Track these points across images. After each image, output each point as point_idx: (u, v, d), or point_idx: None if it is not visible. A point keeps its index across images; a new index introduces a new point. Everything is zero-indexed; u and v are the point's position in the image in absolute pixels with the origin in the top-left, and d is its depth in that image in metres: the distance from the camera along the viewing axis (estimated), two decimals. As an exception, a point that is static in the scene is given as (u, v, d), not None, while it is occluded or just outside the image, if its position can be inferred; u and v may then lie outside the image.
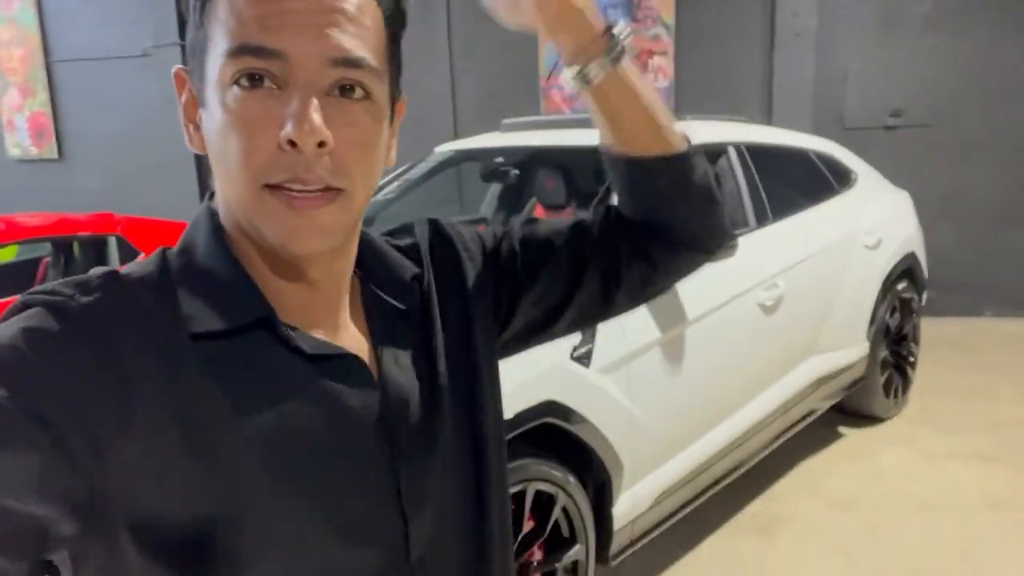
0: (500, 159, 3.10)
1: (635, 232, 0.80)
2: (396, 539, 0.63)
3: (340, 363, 0.62)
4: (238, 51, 0.55)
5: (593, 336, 1.96)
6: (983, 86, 5.14)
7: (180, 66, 0.63)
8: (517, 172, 3.02)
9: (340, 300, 0.66)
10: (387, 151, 0.64)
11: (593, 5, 0.74)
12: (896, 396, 3.58)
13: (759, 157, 2.97)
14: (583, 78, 0.74)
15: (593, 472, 2.00)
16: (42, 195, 6.79)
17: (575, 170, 3.13)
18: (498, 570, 0.72)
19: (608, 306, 0.82)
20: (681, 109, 5.48)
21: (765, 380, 2.69)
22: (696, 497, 2.43)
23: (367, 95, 0.58)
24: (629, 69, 0.74)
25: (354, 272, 0.69)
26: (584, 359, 1.92)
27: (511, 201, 3.55)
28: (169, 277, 0.60)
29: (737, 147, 2.89)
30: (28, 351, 0.50)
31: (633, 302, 0.84)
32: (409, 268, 0.72)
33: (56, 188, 6.89)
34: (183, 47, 6.31)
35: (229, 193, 0.59)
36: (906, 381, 3.65)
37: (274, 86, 0.55)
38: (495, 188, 3.59)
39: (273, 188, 0.56)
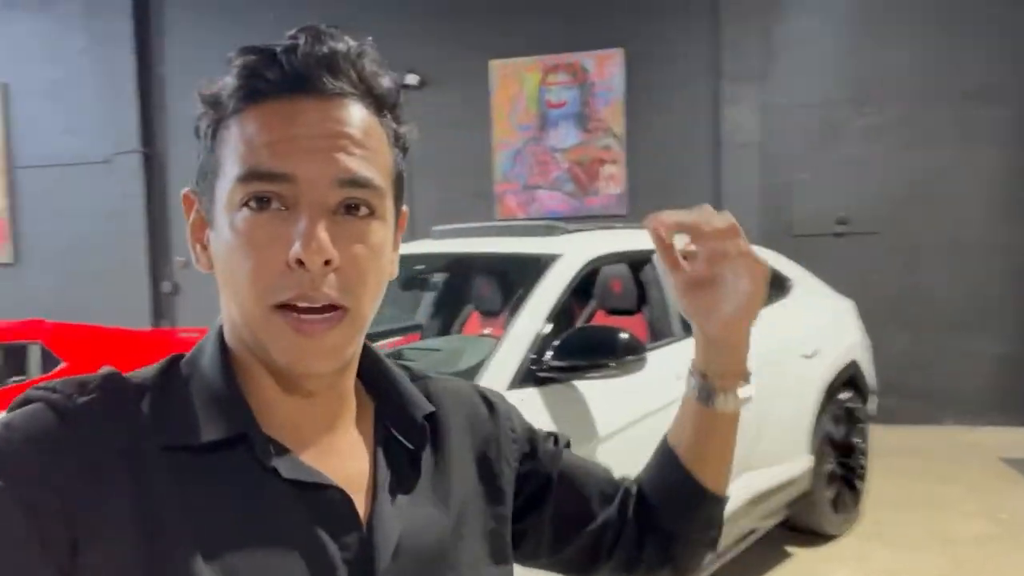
0: (422, 266, 3.07)
1: (640, 519, 0.82)
2: None
3: (321, 494, 0.61)
4: (248, 176, 0.57)
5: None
6: (928, 192, 5.27)
7: (189, 188, 0.65)
8: (436, 280, 2.98)
9: (337, 418, 0.66)
10: (390, 263, 0.65)
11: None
12: (846, 511, 3.43)
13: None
14: (709, 397, 0.76)
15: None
16: (-6, 298, 6.70)
17: (507, 275, 3.10)
18: None
19: (590, 569, 0.82)
20: (634, 216, 5.57)
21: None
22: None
23: (371, 212, 0.60)
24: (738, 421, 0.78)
25: (371, 400, 0.70)
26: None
27: (446, 308, 3.49)
28: (167, 385, 0.61)
29: (663, 256, 2.87)
30: (21, 445, 0.53)
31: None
32: (423, 407, 0.70)
33: (9, 291, 6.80)
34: (145, 154, 6.55)
35: (236, 311, 0.60)
36: (856, 494, 3.52)
37: (281, 207, 0.57)
38: (430, 295, 3.54)
39: (281, 309, 0.57)
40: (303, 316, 0.57)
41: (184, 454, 0.58)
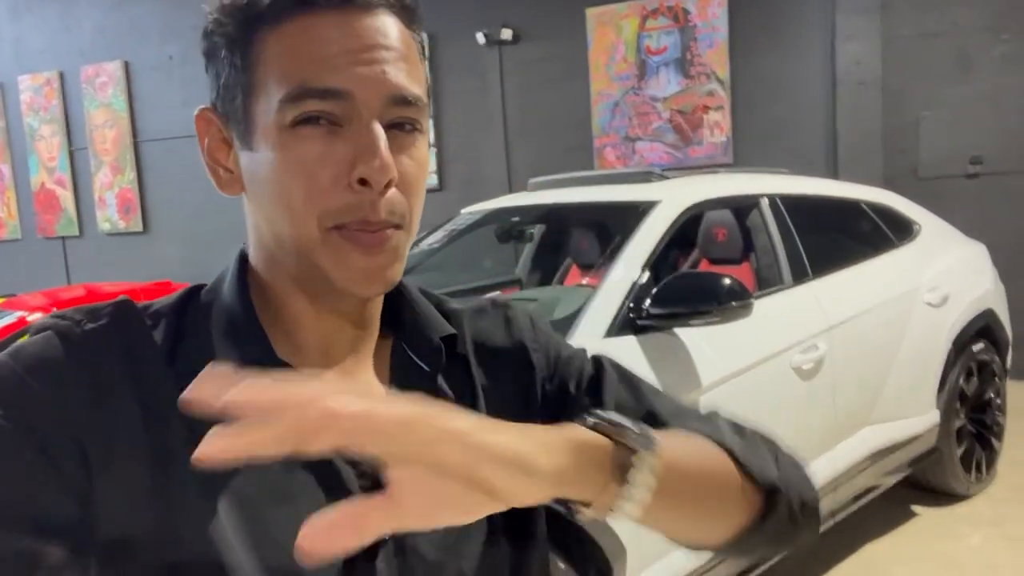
0: (516, 218, 3.03)
1: None
2: None
3: None
4: (301, 94, 0.54)
5: (586, 405, 1.80)
6: (1076, 128, 4.73)
7: (205, 106, 0.61)
8: (533, 233, 2.94)
9: (363, 342, 0.64)
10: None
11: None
12: (979, 471, 3.19)
13: (799, 210, 2.78)
14: (623, 515, 0.55)
15: (590, 559, 1.81)
16: (128, 265, 7.20)
17: (605, 225, 3.02)
18: None
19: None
20: (739, 163, 5.31)
21: (806, 453, 2.43)
22: (728, 586, 2.18)
23: (416, 131, 0.58)
24: (671, 474, 0.54)
25: (384, 328, 0.66)
26: (574, 430, 1.76)
27: (545, 261, 3.45)
28: (185, 313, 0.60)
29: (771, 199, 2.71)
30: (26, 374, 0.52)
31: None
32: (442, 327, 0.67)
33: (141, 258, 7.29)
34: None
35: (285, 233, 0.57)
36: (991, 453, 3.26)
37: (334, 125, 0.55)
38: (529, 249, 3.51)
39: (341, 230, 0.55)
40: (364, 235, 0.56)
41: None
